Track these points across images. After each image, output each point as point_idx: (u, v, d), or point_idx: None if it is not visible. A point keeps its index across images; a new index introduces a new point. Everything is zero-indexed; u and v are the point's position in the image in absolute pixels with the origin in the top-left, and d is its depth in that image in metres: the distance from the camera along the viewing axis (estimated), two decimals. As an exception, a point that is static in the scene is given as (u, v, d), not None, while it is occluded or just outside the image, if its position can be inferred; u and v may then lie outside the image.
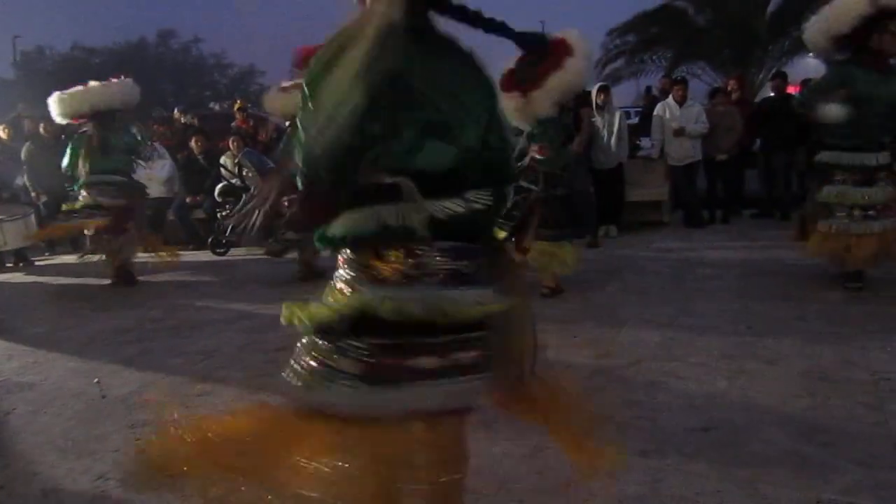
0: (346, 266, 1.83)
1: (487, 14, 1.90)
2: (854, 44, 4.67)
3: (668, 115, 8.14)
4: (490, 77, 1.79)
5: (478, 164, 1.76)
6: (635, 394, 3.33)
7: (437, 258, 1.76)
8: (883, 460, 2.56)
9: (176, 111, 12.15)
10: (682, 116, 8.05)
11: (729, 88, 9.00)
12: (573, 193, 7.14)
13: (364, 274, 1.80)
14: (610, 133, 7.81)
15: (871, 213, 4.72)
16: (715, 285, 5.41)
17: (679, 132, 7.99)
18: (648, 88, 12.52)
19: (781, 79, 8.69)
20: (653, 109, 8.61)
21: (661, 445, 2.78)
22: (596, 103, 7.82)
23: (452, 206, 1.73)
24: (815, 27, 4.77)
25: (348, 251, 1.82)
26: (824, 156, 4.88)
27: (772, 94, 8.71)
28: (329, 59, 1.68)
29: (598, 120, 7.78)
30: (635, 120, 10.48)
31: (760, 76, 16.52)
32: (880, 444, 2.69)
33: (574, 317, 4.76)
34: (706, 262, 6.25)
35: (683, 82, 8.64)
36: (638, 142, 9.03)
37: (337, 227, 1.78)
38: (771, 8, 17.22)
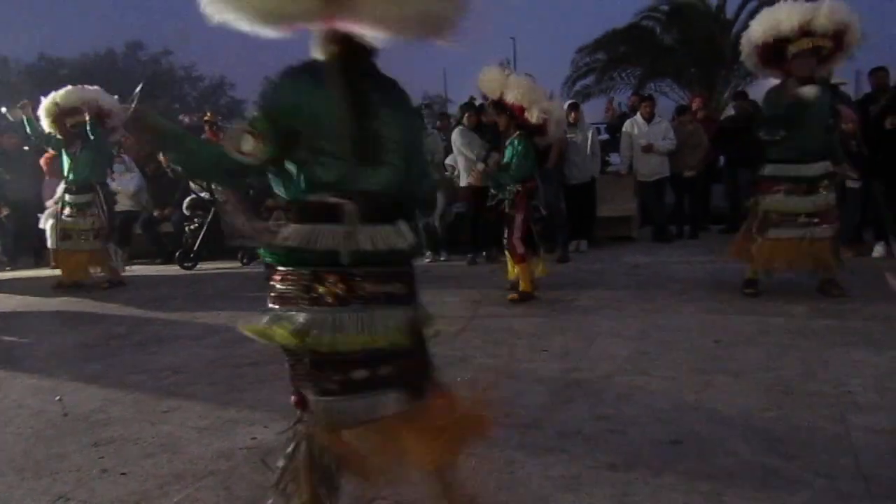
0: (285, 282, 1.94)
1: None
2: (779, 69, 5.13)
3: (636, 132, 8.27)
4: (417, 116, 2.03)
5: (406, 193, 2.00)
6: (604, 407, 3.35)
7: (370, 281, 1.93)
8: (845, 471, 2.61)
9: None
10: (649, 133, 8.19)
11: (694, 107, 9.18)
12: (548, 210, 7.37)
13: (304, 292, 1.91)
14: (583, 149, 7.90)
15: (815, 220, 5.03)
16: (683, 299, 5.49)
17: (647, 148, 8.12)
18: (610, 103, 12.75)
19: (742, 98, 8.89)
20: (617, 125, 8.75)
21: (630, 458, 2.80)
22: (568, 121, 7.90)
23: (387, 232, 1.94)
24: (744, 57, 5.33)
25: (289, 267, 1.93)
26: (770, 169, 5.18)
27: (732, 113, 8.90)
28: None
29: (571, 136, 7.87)
30: (605, 136, 10.63)
31: (726, 94, 16.90)
32: (842, 455, 2.74)
33: (544, 330, 4.78)
34: (675, 277, 6.34)
35: (651, 99, 8.79)
36: (607, 158, 9.15)
37: (281, 242, 1.91)
38: (735, 28, 17.64)
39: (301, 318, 1.89)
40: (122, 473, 2.85)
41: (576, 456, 2.86)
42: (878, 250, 6.65)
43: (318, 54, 1.92)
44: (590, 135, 7.98)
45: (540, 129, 5.56)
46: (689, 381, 3.63)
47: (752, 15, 17.32)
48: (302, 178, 1.91)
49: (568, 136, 7.81)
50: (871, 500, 2.41)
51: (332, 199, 1.87)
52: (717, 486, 2.55)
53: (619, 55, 18.89)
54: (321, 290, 1.89)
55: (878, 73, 7.06)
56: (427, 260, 7.90)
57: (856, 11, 4.83)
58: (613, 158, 9.16)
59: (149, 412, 3.59)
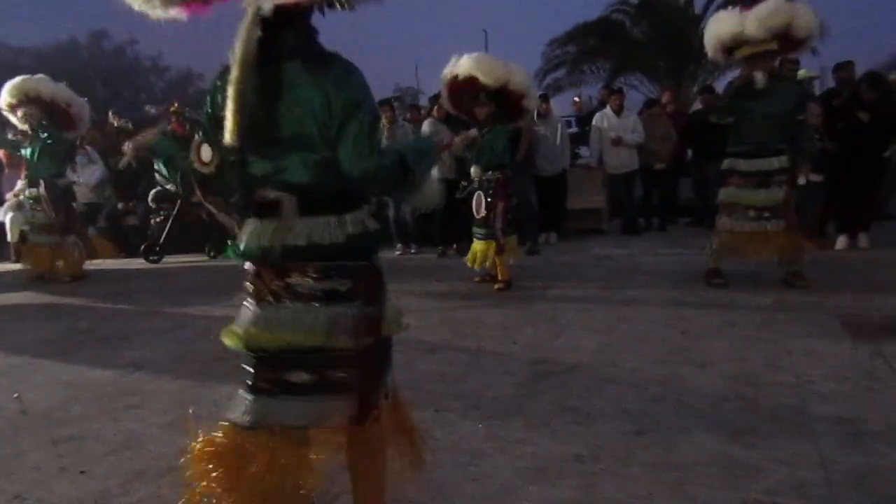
0: (245, 277, 1.94)
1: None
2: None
3: (605, 125, 8.32)
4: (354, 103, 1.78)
5: (343, 182, 1.83)
6: (572, 398, 3.36)
7: (311, 277, 1.84)
8: (806, 460, 2.65)
9: (110, 114, 11.74)
10: (619, 126, 8.24)
11: (664, 100, 9.26)
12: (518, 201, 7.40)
13: (251, 289, 1.91)
14: (553, 141, 7.93)
15: (766, 214, 5.15)
16: (651, 292, 5.54)
17: (617, 142, 8.17)
18: (578, 98, 12.85)
19: (709, 93, 8.98)
20: (584, 118, 8.80)
21: (596, 450, 2.81)
22: (537, 112, 7.93)
23: (325, 224, 1.83)
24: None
25: (246, 264, 1.93)
26: (726, 162, 5.37)
27: (699, 107, 8.98)
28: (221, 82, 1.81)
29: (540, 129, 7.89)
30: (575, 129, 10.68)
31: (694, 88, 17.08)
32: (803, 444, 2.79)
33: (513, 322, 4.79)
34: (643, 269, 6.40)
35: (620, 93, 8.84)
36: (577, 151, 9.19)
37: (239, 241, 1.90)
38: (703, 23, 17.82)
39: (242, 315, 1.90)
40: (82, 472, 2.79)
41: (543, 447, 2.87)
42: (842, 242, 6.78)
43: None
44: (559, 127, 8.01)
45: (522, 115, 5.72)
46: (655, 373, 3.67)
47: (719, 10, 17.58)
48: (240, 174, 1.88)
49: (537, 128, 7.82)
50: (830, 487, 2.46)
51: (272, 194, 1.83)
52: (681, 476, 2.58)
53: (589, 48, 18.97)
54: (259, 286, 1.88)
55: (843, 68, 7.18)
56: (398, 252, 7.87)
57: (807, 5, 4.93)
58: (583, 151, 9.21)
59: (111, 409, 3.51)
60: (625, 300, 5.30)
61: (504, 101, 5.52)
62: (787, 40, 4.95)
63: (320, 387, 1.86)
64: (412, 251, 7.93)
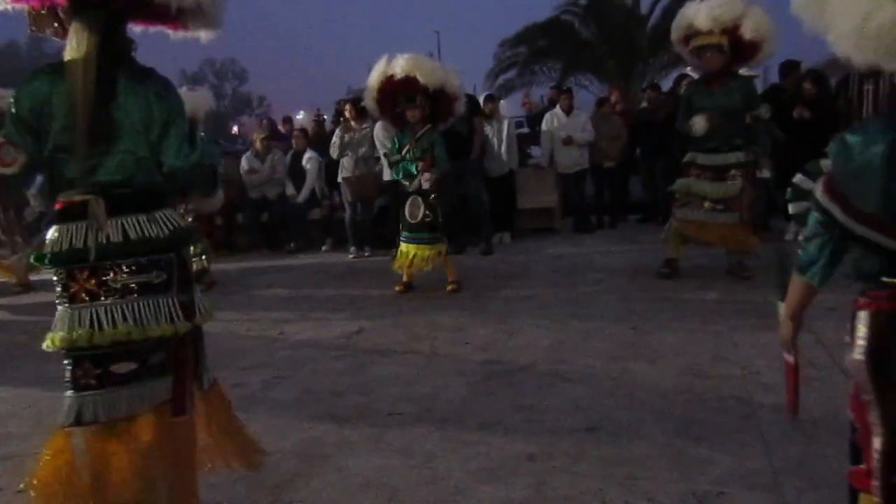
0: (56, 282, 2.04)
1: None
2: None
3: (555, 125, 8.39)
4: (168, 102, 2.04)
5: (156, 180, 2.03)
6: (524, 398, 3.37)
7: (122, 273, 1.98)
8: (751, 450, 2.71)
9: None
10: (569, 126, 8.32)
11: (613, 99, 9.38)
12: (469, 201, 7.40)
13: (63, 291, 2.01)
14: (499, 141, 7.96)
15: (719, 206, 5.30)
16: (603, 288, 5.60)
17: (567, 141, 8.25)
18: (527, 97, 12.96)
19: (654, 91, 9.14)
20: (535, 118, 8.85)
21: (548, 447, 2.83)
22: (484, 112, 7.95)
23: (137, 221, 1.98)
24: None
25: (53, 268, 2.02)
26: (688, 156, 5.51)
27: (645, 105, 9.10)
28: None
29: (487, 129, 7.91)
30: (526, 129, 10.74)
31: (643, 87, 17.38)
32: (749, 435, 2.85)
33: (467, 323, 4.79)
34: (595, 267, 6.46)
35: (569, 92, 8.93)
36: (528, 151, 9.25)
37: (44, 247, 2.01)
38: (650, 23, 18.19)
39: (60, 319, 2.01)
40: (18, 492, 2.68)
41: (495, 447, 2.87)
42: (791, 233, 6.92)
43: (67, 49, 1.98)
44: (506, 127, 8.05)
45: (449, 119, 5.74)
46: (606, 369, 3.71)
47: (665, 11, 17.98)
48: (50, 178, 1.99)
49: (486, 128, 7.84)
50: (775, 475, 2.52)
51: (78, 197, 1.94)
52: (631, 470, 2.61)
53: (539, 49, 19.14)
54: (74, 287, 1.97)
55: (788, 65, 7.39)
56: (351, 256, 7.81)
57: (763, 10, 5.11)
58: (534, 151, 9.26)
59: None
60: (577, 298, 5.34)
61: (436, 104, 5.51)
62: (738, 42, 5.12)
63: (142, 373, 2.02)
64: (366, 254, 7.87)
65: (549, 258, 7.03)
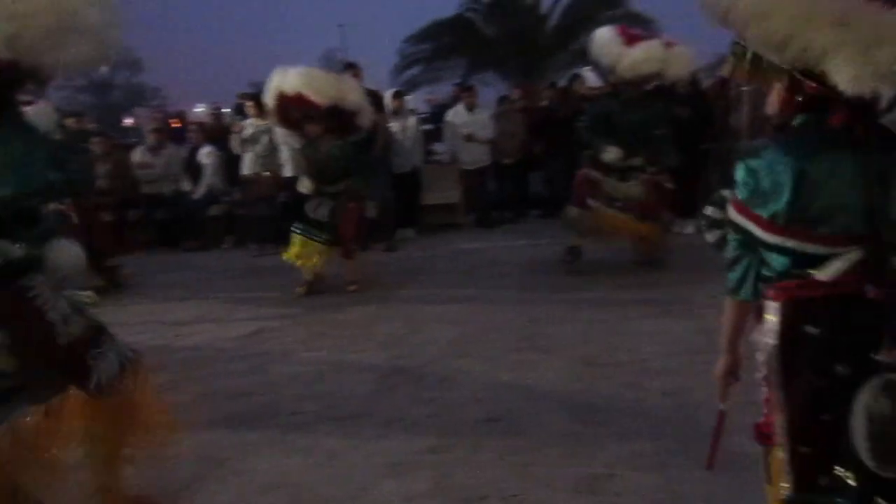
0: None
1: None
2: None
3: (458, 122, 8.50)
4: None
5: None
6: (426, 392, 3.43)
7: None
8: (640, 433, 2.87)
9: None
10: (471, 123, 8.44)
11: (515, 97, 9.59)
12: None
13: None
14: (405, 137, 7.99)
15: (622, 204, 5.53)
16: (505, 283, 5.73)
17: (469, 138, 8.37)
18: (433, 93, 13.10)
19: (555, 89, 9.42)
20: (438, 115, 8.93)
21: (449, 440, 2.89)
22: (391, 109, 7.96)
23: None
24: None
25: None
26: (595, 154, 5.68)
27: (544, 103, 9.35)
28: None
29: (393, 125, 7.92)
30: (430, 126, 10.81)
31: (544, 86, 17.81)
32: (638, 419, 3.01)
33: (372, 319, 4.80)
34: (497, 261, 6.60)
35: (471, 90, 9.06)
36: (432, 147, 9.32)
37: None
38: (552, 23, 18.67)
39: None
40: None
41: (398, 442, 2.90)
42: (690, 228, 7.30)
43: None
44: (411, 123, 8.09)
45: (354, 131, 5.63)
46: (506, 361, 3.81)
47: (564, 10, 18.50)
48: None
49: (390, 125, 7.86)
50: (661, 453, 2.68)
51: None
52: (527, 457, 2.71)
53: (444, 46, 19.23)
54: None
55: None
56: (253, 254, 7.63)
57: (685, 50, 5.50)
58: (438, 147, 9.35)
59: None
60: (480, 292, 5.45)
61: (336, 117, 5.38)
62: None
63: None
64: (269, 252, 7.69)
65: (452, 254, 7.12)
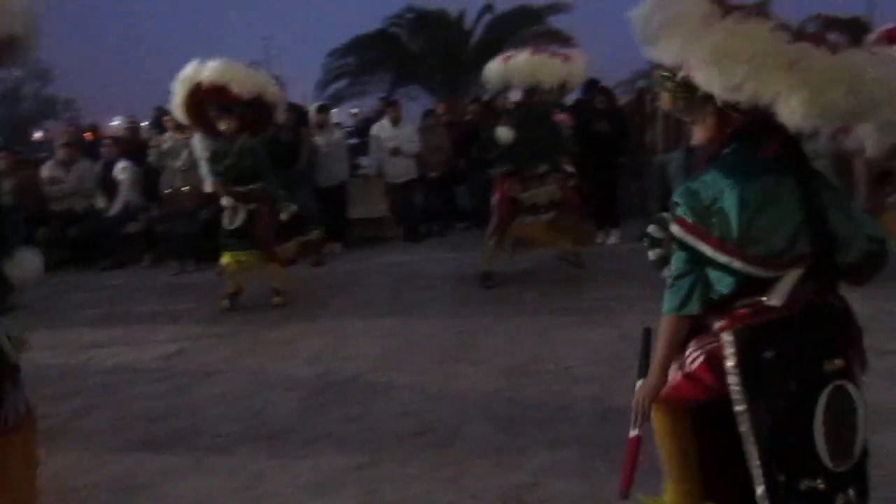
0: None
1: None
2: None
3: (384, 136, 8.50)
4: None
5: None
6: (353, 407, 3.39)
7: None
8: (565, 440, 2.92)
9: None
10: (397, 136, 8.46)
11: (439, 112, 9.67)
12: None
13: None
14: (330, 151, 7.93)
15: (543, 209, 5.65)
16: (432, 295, 5.74)
17: (395, 151, 8.38)
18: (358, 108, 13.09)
19: (479, 104, 9.55)
20: (364, 129, 8.92)
21: (376, 455, 2.87)
22: (315, 123, 7.89)
23: None
24: None
25: None
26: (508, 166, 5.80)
27: (469, 118, 9.46)
28: None
29: (318, 139, 7.85)
30: (356, 140, 10.76)
31: (468, 100, 18.03)
32: (563, 426, 3.07)
33: (298, 336, 4.71)
34: (424, 274, 6.61)
35: (396, 104, 9.10)
36: (358, 161, 9.29)
37: None
38: (474, 38, 18.96)
39: None
40: None
41: (324, 460, 2.86)
42: (601, 237, 7.50)
43: None
44: (336, 137, 8.04)
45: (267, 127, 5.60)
46: (434, 374, 3.82)
47: (487, 27, 18.82)
48: None
49: (315, 139, 7.79)
50: (585, 459, 2.74)
51: None
52: (456, 470, 2.72)
53: (369, 60, 19.23)
54: None
55: (590, 82, 8.01)
56: (174, 272, 7.38)
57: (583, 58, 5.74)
58: (364, 161, 9.32)
59: None
60: (407, 305, 5.44)
61: (254, 112, 5.28)
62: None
63: None
64: (190, 269, 7.47)
65: (380, 267, 7.09)
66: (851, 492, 1.63)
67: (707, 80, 1.60)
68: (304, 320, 5.12)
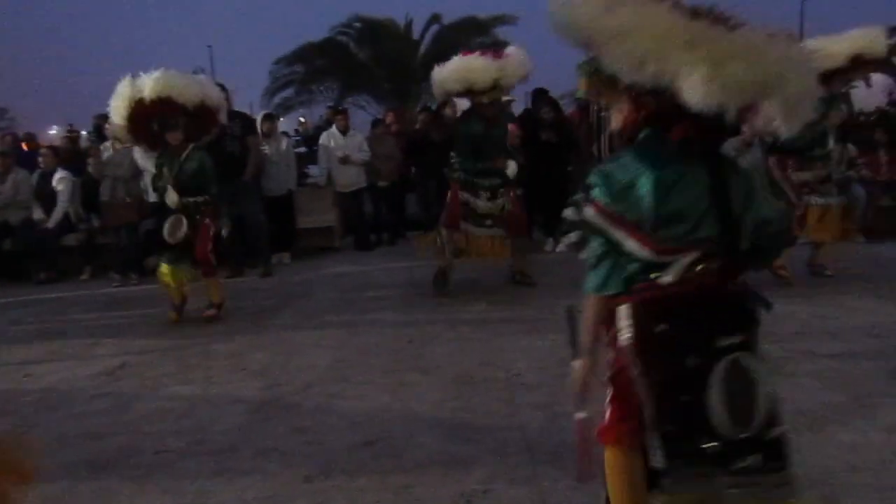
0: None
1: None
2: None
3: (332, 144, 8.45)
4: None
5: None
6: (302, 420, 3.35)
7: None
8: (513, 447, 2.95)
9: None
10: (345, 145, 8.43)
11: (388, 121, 9.67)
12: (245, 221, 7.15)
13: None
14: (277, 160, 7.85)
15: (489, 222, 5.73)
16: (382, 305, 5.72)
17: (344, 160, 8.34)
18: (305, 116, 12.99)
19: (427, 113, 9.58)
20: (312, 137, 8.86)
21: (327, 467, 2.84)
22: (262, 131, 7.79)
23: None
24: None
25: None
26: (461, 175, 5.84)
27: (416, 127, 9.48)
28: None
29: (265, 148, 7.76)
30: (304, 149, 10.67)
31: (417, 109, 18.10)
32: (512, 433, 3.09)
33: (245, 349, 4.63)
34: (374, 284, 6.59)
35: (345, 112, 9.06)
36: (306, 170, 9.20)
37: None
38: (423, 48, 19.06)
39: None
40: None
41: (272, 474, 2.82)
42: (550, 245, 7.61)
43: None
44: (284, 146, 7.97)
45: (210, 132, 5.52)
46: (383, 383, 3.80)
47: (435, 37, 18.94)
48: None
49: (263, 148, 7.69)
50: (534, 465, 2.76)
51: None
52: (406, 479, 2.71)
53: (317, 68, 19.18)
54: None
55: (538, 92, 8.13)
56: (115, 284, 7.17)
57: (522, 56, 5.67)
58: (312, 170, 9.24)
59: None
60: (357, 315, 5.41)
61: (197, 119, 5.18)
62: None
63: None
64: (133, 282, 7.27)
65: (329, 277, 7.03)
66: (751, 459, 1.68)
67: (612, 60, 1.64)
68: (251, 332, 5.04)
